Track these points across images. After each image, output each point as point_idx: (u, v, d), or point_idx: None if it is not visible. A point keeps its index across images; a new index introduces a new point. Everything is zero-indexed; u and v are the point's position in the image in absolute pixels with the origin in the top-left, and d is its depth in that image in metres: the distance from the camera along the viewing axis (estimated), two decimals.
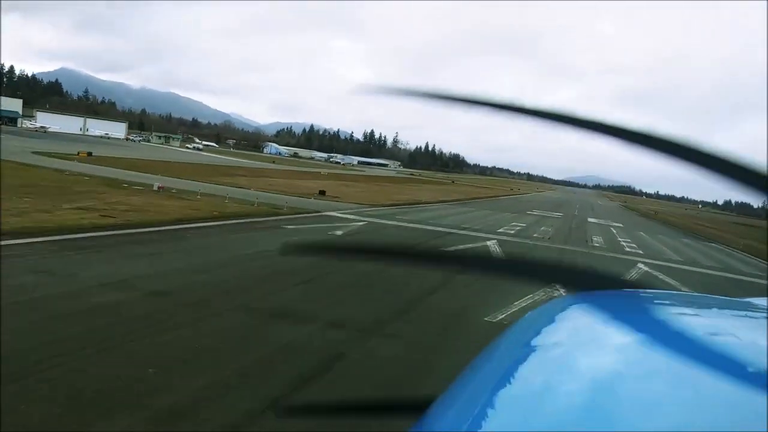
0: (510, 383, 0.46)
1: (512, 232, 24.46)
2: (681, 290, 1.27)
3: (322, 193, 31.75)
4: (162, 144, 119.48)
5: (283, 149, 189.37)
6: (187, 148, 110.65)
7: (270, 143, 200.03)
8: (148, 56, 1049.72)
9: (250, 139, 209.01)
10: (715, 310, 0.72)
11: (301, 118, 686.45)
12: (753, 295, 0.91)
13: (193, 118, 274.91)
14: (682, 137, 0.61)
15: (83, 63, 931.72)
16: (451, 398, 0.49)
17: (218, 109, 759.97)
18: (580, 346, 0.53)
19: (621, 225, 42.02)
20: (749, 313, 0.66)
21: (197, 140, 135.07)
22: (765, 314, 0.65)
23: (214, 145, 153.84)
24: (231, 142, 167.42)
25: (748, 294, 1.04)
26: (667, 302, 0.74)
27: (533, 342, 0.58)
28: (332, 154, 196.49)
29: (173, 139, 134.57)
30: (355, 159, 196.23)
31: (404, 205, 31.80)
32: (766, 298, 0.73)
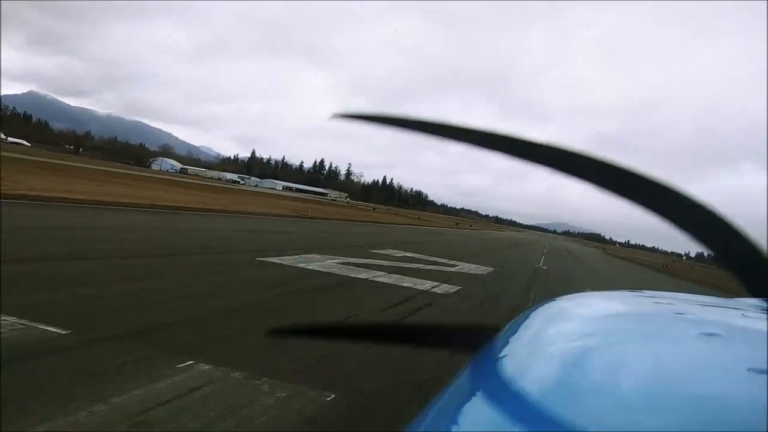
0: (507, 384, 0.46)
1: None
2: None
3: None
4: None
5: (179, 165, 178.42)
6: None
7: (163, 158, 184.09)
8: (108, 79, 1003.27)
9: (133, 152, 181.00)
10: (710, 309, 0.70)
11: (266, 151, 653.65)
12: None
13: (140, 143, 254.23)
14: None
15: (47, 86, 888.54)
16: (447, 399, 0.48)
17: (185, 140, 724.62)
18: (574, 347, 0.52)
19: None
20: (745, 314, 0.65)
21: (2, 135, 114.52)
22: (762, 314, 0.64)
23: (25, 143, 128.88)
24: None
25: None
26: (663, 302, 0.73)
27: (529, 343, 0.57)
28: (244, 176, 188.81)
29: None
30: (279, 184, 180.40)
31: None
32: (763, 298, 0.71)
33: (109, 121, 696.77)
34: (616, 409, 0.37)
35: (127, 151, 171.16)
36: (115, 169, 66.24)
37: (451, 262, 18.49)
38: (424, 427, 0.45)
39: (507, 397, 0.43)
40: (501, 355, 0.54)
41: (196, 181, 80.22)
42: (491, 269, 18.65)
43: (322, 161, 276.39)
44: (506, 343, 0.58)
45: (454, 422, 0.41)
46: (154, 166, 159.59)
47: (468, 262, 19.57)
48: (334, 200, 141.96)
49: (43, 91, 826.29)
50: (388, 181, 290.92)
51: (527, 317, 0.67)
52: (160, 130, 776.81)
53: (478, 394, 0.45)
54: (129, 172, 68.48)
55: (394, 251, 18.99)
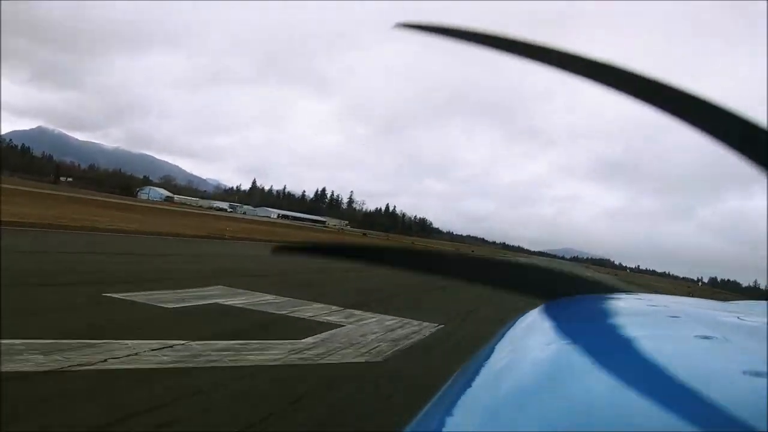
0: (502, 386, 0.46)
1: None
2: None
3: None
4: None
5: (167, 194, 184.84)
6: None
7: (151, 187, 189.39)
8: (113, 113, 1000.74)
9: (119, 181, 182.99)
10: (705, 312, 0.70)
11: (270, 181, 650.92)
12: None
13: (144, 176, 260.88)
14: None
15: (54, 121, 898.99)
16: (444, 400, 0.48)
17: (191, 172, 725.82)
18: (571, 349, 0.52)
19: None
20: (739, 316, 0.65)
21: None
22: (756, 316, 0.64)
23: None
24: None
25: None
26: (659, 305, 0.72)
27: (524, 345, 0.57)
28: (235, 204, 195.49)
29: None
30: (274, 212, 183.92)
31: None
32: (763, 301, 0.71)
33: (116, 154, 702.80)
34: (611, 411, 0.37)
35: (113, 180, 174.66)
36: (79, 195, 62.44)
37: (339, 318, 9.74)
38: (421, 429, 0.45)
39: (501, 401, 0.43)
40: (502, 356, 0.53)
41: (168, 208, 76.63)
42: (434, 329, 9.92)
43: (323, 190, 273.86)
44: (500, 347, 0.58)
45: (450, 425, 0.41)
46: (142, 195, 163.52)
47: (389, 314, 10.77)
48: (328, 227, 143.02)
49: (51, 126, 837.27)
50: (390, 208, 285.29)
51: (521, 321, 0.66)
52: (166, 162, 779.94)
53: (473, 397, 0.45)
54: (92, 197, 64.80)
55: (214, 291, 10.91)
